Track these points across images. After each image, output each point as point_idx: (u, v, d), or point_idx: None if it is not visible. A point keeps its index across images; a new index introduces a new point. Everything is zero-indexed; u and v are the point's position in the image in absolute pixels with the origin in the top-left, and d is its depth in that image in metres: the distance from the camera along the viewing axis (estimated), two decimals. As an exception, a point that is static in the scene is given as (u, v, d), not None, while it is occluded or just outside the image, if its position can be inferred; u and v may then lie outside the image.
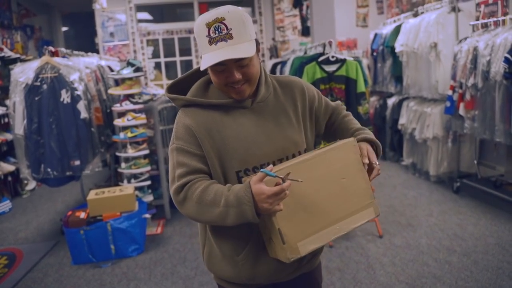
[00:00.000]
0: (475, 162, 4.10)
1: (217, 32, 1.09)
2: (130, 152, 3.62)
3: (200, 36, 1.12)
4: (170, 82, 1.31)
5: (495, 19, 3.47)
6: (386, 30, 5.22)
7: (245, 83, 1.16)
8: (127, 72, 3.62)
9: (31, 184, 5.05)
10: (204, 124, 1.18)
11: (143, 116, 3.66)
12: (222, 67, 1.13)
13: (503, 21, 3.35)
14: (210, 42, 1.10)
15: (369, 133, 1.32)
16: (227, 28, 1.09)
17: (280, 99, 1.26)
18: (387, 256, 2.90)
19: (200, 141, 1.17)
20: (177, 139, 1.19)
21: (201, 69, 1.15)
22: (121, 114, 3.72)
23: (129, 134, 3.59)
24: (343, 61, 3.18)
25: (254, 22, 6.44)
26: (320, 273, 1.45)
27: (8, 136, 4.63)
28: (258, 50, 1.17)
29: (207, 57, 1.10)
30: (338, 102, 1.46)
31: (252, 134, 1.19)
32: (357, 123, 1.40)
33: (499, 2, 3.65)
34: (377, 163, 1.24)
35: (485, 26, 3.60)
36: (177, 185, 1.16)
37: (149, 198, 3.72)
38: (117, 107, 3.66)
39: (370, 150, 1.26)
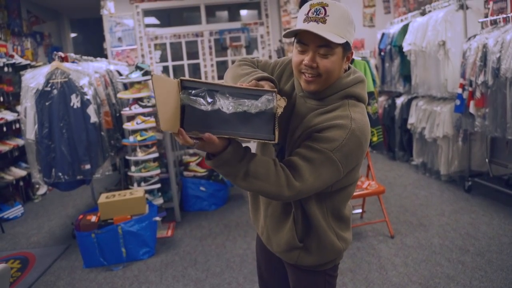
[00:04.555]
0: (487, 160, 4.05)
1: (315, 13, 1.13)
2: (140, 155, 3.64)
3: (301, 13, 1.16)
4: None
5: (504, 15, 3.43)
6: (394, 29, 5.19)
7: (316, 77, 1.17)
8: (136, 76, 3.64)
9: (43, 189, 5.09)
10: (288, 73, 1.34)
11: (152, 119, 3.68)
12: (304, 47, 1.16)
13: (513, 17, 3.31)
14: (304, 20, 1.14)
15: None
16: (325, 13, 1.12)
17: (313, 116, 1.21)
18: (399, 257, 2.87)
19: (283, 69, 1.35)
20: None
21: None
22: (131, 118, 3.74)
23: (139, 138, 3.61)
24: (351, 61, 3.17)
25: (261, 24, 6.42)
26: (301, 279, 1.40)
27: (20, 142, 4.68)
28: (346, 59, 1.21)
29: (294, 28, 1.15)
30: (289, 176, 1.13)
31: None
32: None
33: (508, -1, 3.61)
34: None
35: (494, 23, 3.56)
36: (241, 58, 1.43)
37: (159, 201, 3.73)
38: (126, 111, 3.68)
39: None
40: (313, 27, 1.12)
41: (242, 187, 1.14)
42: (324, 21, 1.12)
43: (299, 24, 1.16)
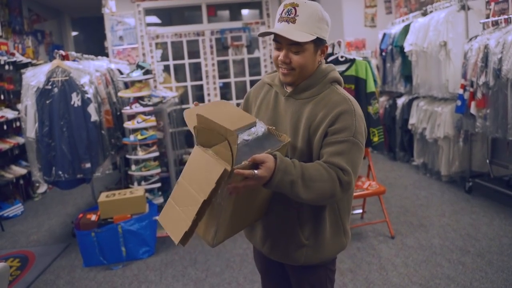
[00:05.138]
0: (488, 161, 4.05)
1: (287, 13, 1.24)
2: (140, 154, 3.63)
3: (277, 13, 1.29)
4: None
5: (505, 16, 3.42)
6: (395, 29, 5.19)
7: (290, 70, 1.29)
8: (137, 74, 3.64)
9: (43, 187, 5.09)
10: (256, 92, 1.50)
11: (153, 118, 3.67)
12: (278, 45, 1.28)
13: (515, 18, 3.30)
14: (278, 20, 1.27)
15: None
16: (295, 14, 1.23)
17: (309, 108, 1.30)
18: (400, 257, 2.87)
19: (246, 101, 1.53)
20: None
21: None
22: (131, 117, 3.74)
23: (139, 137, 3.61)
24: (352, 61, 3.16)
25: (262, 23, 6.42)
26: (305, 276, 1.42)
27: (20, 140, 4.68)
28: (321, 52, 1.32)
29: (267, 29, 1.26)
30: (338, 171, 1.20)
31: (268, 115, 1.40)
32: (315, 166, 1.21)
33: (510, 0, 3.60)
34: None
35: (495, 23, 3.55)
36: None
37: (159, 200, 3.73)
38: (127, 110, 3.68)
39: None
40: (283, 27, 1.24)
41: (304, 197, 1.17)
42: (293, 21, 1.23)
43: (275, 23, 1.28)
